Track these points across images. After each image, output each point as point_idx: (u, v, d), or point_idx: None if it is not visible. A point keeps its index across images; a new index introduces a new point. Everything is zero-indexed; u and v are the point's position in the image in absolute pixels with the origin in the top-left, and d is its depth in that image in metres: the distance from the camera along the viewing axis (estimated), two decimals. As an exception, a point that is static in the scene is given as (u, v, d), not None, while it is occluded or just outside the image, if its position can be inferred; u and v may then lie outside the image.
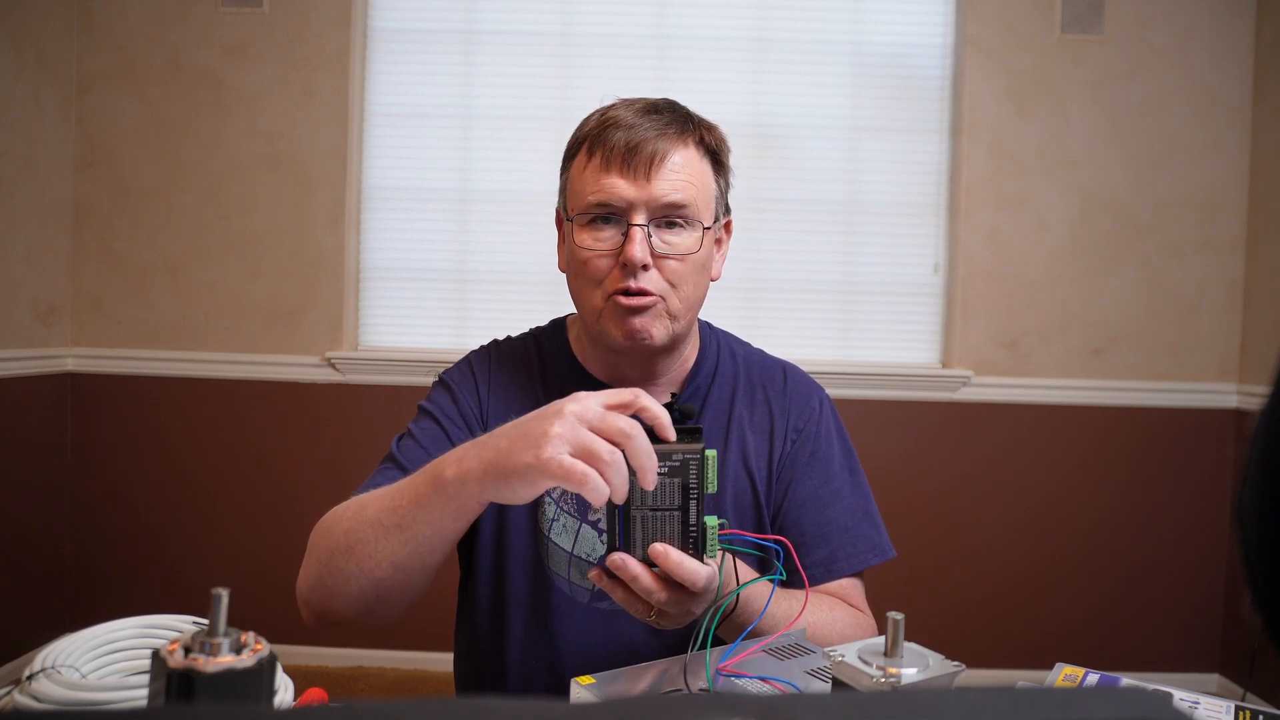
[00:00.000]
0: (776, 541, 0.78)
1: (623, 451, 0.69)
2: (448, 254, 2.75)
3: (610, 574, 0.74)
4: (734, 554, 0.80)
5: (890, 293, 2.76)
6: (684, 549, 0.73)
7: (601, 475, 0.68)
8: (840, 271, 2.75)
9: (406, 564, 0.81)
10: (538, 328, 1.13)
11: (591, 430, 0.70)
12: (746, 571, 0.84)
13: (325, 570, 0.85)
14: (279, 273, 2.71)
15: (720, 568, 0.76)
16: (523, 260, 2.70)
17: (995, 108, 2.70)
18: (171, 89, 2.69)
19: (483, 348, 1.10)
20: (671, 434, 0.73)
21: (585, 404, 0.71)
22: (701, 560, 0.73)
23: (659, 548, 0.72)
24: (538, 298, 2.67)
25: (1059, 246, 2.71)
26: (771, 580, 0.81)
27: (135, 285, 2.71)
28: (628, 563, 0.72)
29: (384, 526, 0.81)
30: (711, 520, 0.74)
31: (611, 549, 0.73)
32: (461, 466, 0.75)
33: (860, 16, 2.74)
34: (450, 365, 1.09)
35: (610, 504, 0.71)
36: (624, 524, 0.73)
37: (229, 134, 2.70)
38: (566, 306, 1.12)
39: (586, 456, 0.68)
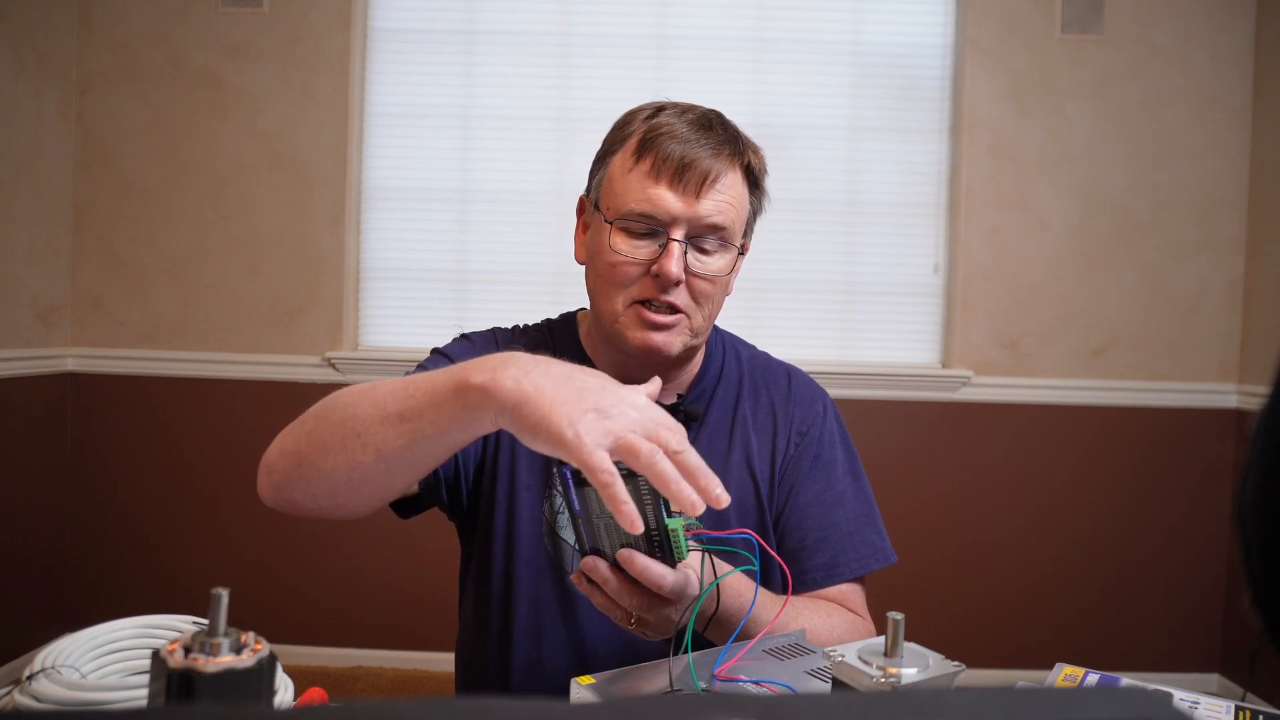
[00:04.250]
0: (746, 534, 0.76)
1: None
2: (448, 254, 2.75)
3: (590, 579, 0.73)
4: (714, 555, 0.78)
5: (890, 293, 2.76)
6: (649, 554, 0.71)
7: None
8: (840, 271, 2.75)
9: (393, 457, 0.76)
10: (550, 319, 1.13)
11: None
12: (725, 569, 0.82)
13: (307, 437, 0.81)
14: (279, 273, 2.71)
15: (702, 571, 0.75)
16: (523, 260, 2.69)
17: (995, 108, 2.69)
18: (171, 89, 2.69)
19: (506, 327, 1.11)
20: None
21: (647, 414, 0.68)
22: (672, 565, 0.71)
23: (624, 553, 0.71)
24: (538, 297, 2.66)
25: (1059, 246, 2.71)
26: (748, 572, 0.80)
27: (135, 285, 2.71)
28: (598, 565, 0.72)
29: (386, 412, 0.76)
30: (674, 522, 0.70)
31: (582, 553, 0.73)
32: (495, 377, 0.69)
33: (860, 16, 2.74)
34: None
35: (570, 512, 0.71)
36: (589, 529, 0.72)
37: (229, 134, 2.69)
38: (566, 307, 1.12)
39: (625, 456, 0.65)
